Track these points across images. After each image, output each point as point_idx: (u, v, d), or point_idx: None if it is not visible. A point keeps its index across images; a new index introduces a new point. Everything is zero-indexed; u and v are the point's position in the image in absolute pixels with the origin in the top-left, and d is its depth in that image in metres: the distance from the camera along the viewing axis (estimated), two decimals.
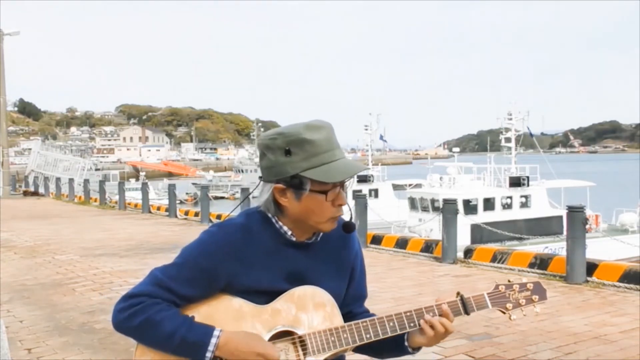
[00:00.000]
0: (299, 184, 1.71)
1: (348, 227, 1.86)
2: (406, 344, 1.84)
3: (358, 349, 1.86)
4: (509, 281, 1.89)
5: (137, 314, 1.69)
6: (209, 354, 1.67)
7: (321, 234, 1.83)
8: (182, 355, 1.70)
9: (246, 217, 1.81)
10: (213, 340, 1.67)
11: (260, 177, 1.80)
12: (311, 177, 1.69)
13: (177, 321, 1.69)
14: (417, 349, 1.86)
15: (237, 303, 1.75)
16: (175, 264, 1.76)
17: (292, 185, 1.72)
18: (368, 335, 1.77)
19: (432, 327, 1.79)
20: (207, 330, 1.69)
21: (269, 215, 1.79)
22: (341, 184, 1.76)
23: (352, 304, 1.94)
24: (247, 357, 1.68)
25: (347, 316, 1.90)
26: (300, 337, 1.75)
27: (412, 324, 1.80)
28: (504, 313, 1.87)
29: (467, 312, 1.83)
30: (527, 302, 1.87)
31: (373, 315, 1.92)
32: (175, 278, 1.72)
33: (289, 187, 1.73)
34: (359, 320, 1.79)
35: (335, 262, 1.88)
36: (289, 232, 1.79)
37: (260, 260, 1.76)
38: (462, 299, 1.83)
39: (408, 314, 1.80)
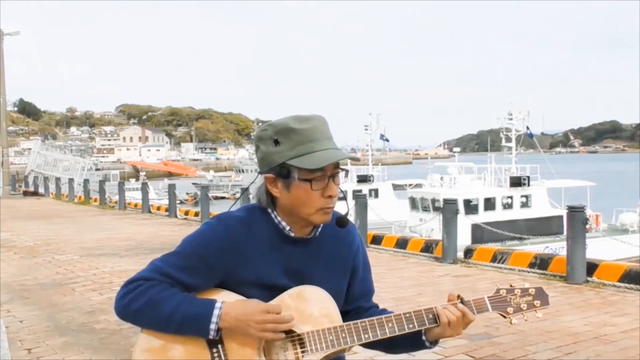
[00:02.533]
0: (287, 173, 1.74)
1: (341, 221, 1.86)
2: (424, 337, 1.84)
3: (367, 346, 1.86)
4: (510, 285, 1.89)
5: (138, 297, 1.71)
6: (213, 325, 1.68)
7: (319, 229, 1.84)
8: (186, 332, 1.70)
9: (247, 212, 1.83)
10: (215, 312, 1.68)
11: (258, 172, 1.83)
12: (295, 164, 1.71)
13: (178, 298, 1.71)
14: (434, 342, 1.86)
15: (236, 298, 1.76)
16: (175, 252, 1.79)
17: (281, 174, 1.74)
18: (367, 336, 1.78)
19: (447, 318, 1.80)
20: (209, 303, 1.70)
21: (268, 210, 1.81)
22: (332, 175, 1.76)
23: (359, 300, 1.95)
24: (249, 324, 1.68)
25: (356, 312, 1.91)
26: (298, 335, 1.76)
27: (410, 326, 1.80)
28: (505, 317, 1.87)
29: None
30: (529, 307, 1.87)
31: (382, 310, 1.92)
32: (174, 266, 1.75)
33: (278, 176, 1.75)
34: (359, 320, 1.79)
35: (335, 259, 1.88)
36: (288, 228, 1.80)
37: (259, 255, 1.77)
38: (462, 301, 1.83)
39: (407, 315, 1.80)
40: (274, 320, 1.69)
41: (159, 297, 1.70)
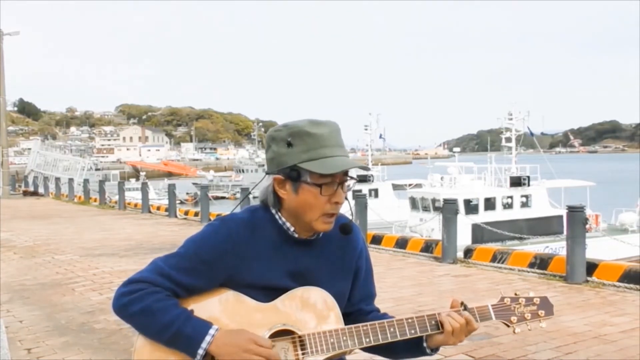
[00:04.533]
0: (297, 176, 1.73)
1: (345, 229, 1.85)
2: (425, 344, 1.83)
3: (370, 350, 1.86)
4: (515, 294, 1.88)
5: (136, 301, 1.71)
6: (201, 351, 1.67)
7: (325, 231, 1.83)
8: (175, 347, 1.70)
9: (250, 213, 1.82)
10: (207, 338, 1.67)
11: (265, 172, 1.83)
12: (307, 168, 1.71)
13: (175, 312, 1.70)
14: (435, 349, 1.85)
15: (239, 299, 1.76)
16: (177, 253, 1.78)
17: (291, 176, 1.74)
18: (367, 340, 1.77)
19: (450, 324, 1.79)
20: (204, 326, 1.69)
21: (273, 211, 1.81)
22: (340, 182, 1.76)
23: (360, 303, 1.94)
24: (237, 355, 1.67)
25: (356, 314, 1.91)
26: (299, 336, 1.75)
27: (412, 331, 1.79)
28: (508, 326, 1.85)
29: None
30: (533, 317, 1.86)
31: (383, 315, 1.91)
32: (176, 267, 1.74)
33: (288, 178, 1.75)
34: (360, 324, 1.79)
35: (339, 261, 1.88)
36: (292, 229, 1.80)
37: (262, 257, 1.77)
38: (465, 308, 1.82)
39: (409, 320, 1.80)
40: (261, 354, 1.68)
41: (157, 307, 1.69)
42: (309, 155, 1.72)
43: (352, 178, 1.80)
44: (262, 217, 1.80)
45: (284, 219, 1.80)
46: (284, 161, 1.74)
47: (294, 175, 1.73)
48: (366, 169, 1.94)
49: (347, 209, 1.94)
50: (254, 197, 1.93)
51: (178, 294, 1.74)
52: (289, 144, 1.73)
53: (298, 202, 1.75)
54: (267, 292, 1.77)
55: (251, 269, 1.75)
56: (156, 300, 1.70)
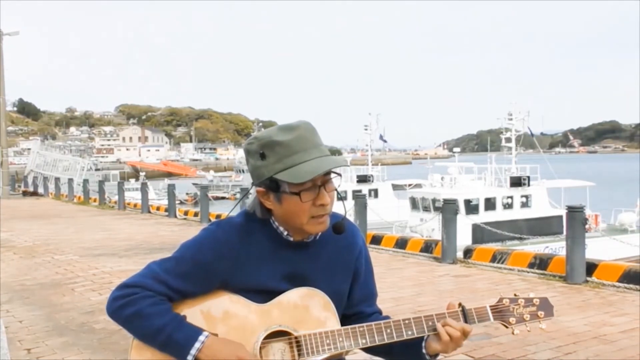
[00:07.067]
0: (276, 187, 1.72)
1: (337, 228, 1.83)
2: (424, 351, 1.81)
3: (369, 350, 1.85)
4: (515, 295, 1.86)
5: (129, 305, 1.71)
6: (190, 357, 1.68)
7: (320, 232, 1.82)
8: (166, 352, 1.71)
9: (245, 217, 1.82)
10: (197, 345, 1.68)
11: (251, 184, 1.82)
12: (281, 178, 1.69)
13: (167, 317, 1.70)
14: (434, 356, 1.83)
15: (235, 300, 1.76)
16: (173, 258, 1.78)
17: (270, 188, 1.73)
18: (364, 341, 1.77)
19: (448, 333, 1.77)
20: (194, 333, 1.70)
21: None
22: (322, 183, 1.73)
23: (361, 304, 1.92)
24: None
25: (357, 316, 1.89)
26: (296, 337, 1.75)
27: (409, 332, 1.78)
28: (507, 327, 1.84)
29: (467, 323, 1.82)
30: (532, 318, 1.84)
31: (385, 318, 1.89)
32: (171, 272, 1.74)
33: (269, 190, 1.74)
34: (356, 325, 1.78)
35: (337, 262, 1.87)
36: (286, 233, 1.80)
37: (257, 260, 1.76)
38: (463, 310, 1.82)
39: (406, 321, 1.79)
40: None
41: (150, 311, 1.70)
42: (283, 164, 1.69)
43: (336, 174, 1.76)
44: (257, 221, 1.80)
45: (277, 224, 1.80)
46: (262, 173, 1.73)
47: (273, 186, 1.72)
48: (342, 165, 1.88)
49: (342, 208, 1.93)
50: (249, 207, 1.91)
51: (172, 299, 1.75)
52: (262, 156, 1.71)
53: (283, 210, 1.75)
54: (263, 295, 1.76)
55: (247, 273, 1.75)
56: (149, 304, 1.71)
